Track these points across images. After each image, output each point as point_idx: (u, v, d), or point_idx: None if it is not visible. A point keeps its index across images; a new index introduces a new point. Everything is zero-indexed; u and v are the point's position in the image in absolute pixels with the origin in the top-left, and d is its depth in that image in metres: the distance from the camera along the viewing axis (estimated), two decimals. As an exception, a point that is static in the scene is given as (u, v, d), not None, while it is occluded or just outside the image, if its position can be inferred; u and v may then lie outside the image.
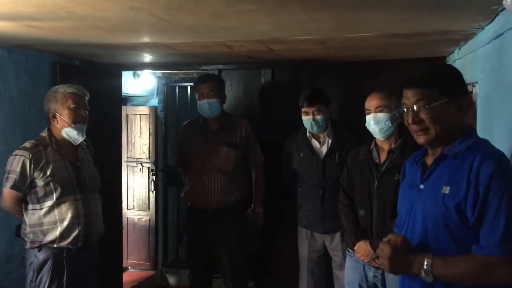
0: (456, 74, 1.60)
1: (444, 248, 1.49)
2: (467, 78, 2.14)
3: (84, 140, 2.68)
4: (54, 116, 2.54)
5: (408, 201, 1.68)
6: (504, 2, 1.25)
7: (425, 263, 1.45)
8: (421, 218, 1.57)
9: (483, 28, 2.29)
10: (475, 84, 2.43)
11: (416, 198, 1.62)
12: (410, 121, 1.57)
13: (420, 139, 1.58)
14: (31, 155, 2.43)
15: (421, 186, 1.62)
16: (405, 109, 1.58)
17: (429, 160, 1.65)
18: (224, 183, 3.31)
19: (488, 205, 1.38)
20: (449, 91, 1.52)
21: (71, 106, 2.52)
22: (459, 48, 2.95)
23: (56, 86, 2.62)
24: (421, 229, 1.57)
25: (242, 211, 3.46)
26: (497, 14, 1.99)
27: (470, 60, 2.65)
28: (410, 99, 1.56)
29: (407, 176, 1.80)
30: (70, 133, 2.54)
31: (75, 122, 2.52)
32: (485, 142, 1.55)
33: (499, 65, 2.01)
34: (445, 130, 1.53)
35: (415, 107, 1.53)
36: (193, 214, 3.44)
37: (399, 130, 2.63)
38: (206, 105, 3.26)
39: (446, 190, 1.49)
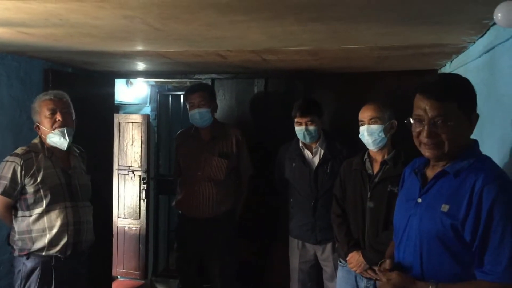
0: (472, 88, 1.55)
1: (438, 264, 1.48)
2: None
3: (77, 148, 2.66)
4: (38, 128, 2.55)
5: (405, 213, 1.67)
6: (495, 17, 1.26)
7: None
8: (418, 233, 1.56)
9: (474, 42, 2.31)
10: (466, 97, 2.45)
11: (413, 210, 1.61)
12: (425, 134, 1.50)
13: (427, 153, 1.54)
14: (22, 161, 2.41)
15: (419, 200, 1.60)
16: (417, 121, 1.53)
17: (430, 173, 1.62)
18: (216, 192, 3.29)
19: (492, 231, 1.36)
20: (466, 106, 1.49)
21: (47, 113, 2.50)
22: (451, 61, 2.98)
23: (36, 97, 2.61)
24: (417, 243, 1.56)
25: (234, 221, 3.45)
26: (488, 29, 2.02)
27: (461, 73, 2.65)
28: (428, 112, 1.48)
29: (406, 186, 1.77)
30: (53, 139, 2.51)
31: (53, 128, 2.50)
32: (487, 160, 1.52)
33: (490, 78, 2.03)
34: (457, 147, 1.50)
35: (434, 121, 1.47)
36: (184, 222, 3.42)
37: (392, 141, 2.64)
38: (197, 115, 3.25)
39: (445, 208, 1.47)
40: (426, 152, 1.54)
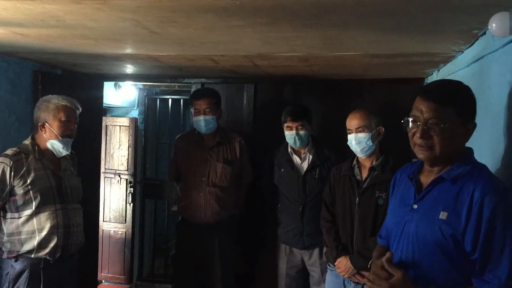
0: (473, 97, 1.54)
1: (436, 269, 1.48)
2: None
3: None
4: (43, 126, 2.51)
5: (399, 218, 1.65)
6: (489, 27, 1.30)
7: None
8: (415, 239, 1.55)
9: (462, 52, 2.37)
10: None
11: (409, 217, 1.60)
12: (418, 135, 1.51)
13: (421, 155, 1.54)
14: (12, 162, 2.39)
15: (415, 206, 1.59)
16: (413, 121, 1.53)
17: (424, 179, 1.62)
18: (220, 198, 3.27)
19: (492, 241, 1.37)
20: (464, 113, 1.48)
21: (63, 118, 2.50)
22: (438, 70, 3.04)
23: (49, 96, 2.58)
24: (414, 249, 1.55)
25: (236, 227, 3.45)
26: (477, 39, 2.07)
27: (448, 82, 2.73)
28: (424, 113, 1.49)
29: (399, 191, 1.76)
30: (56, 145, 2.51)
31: (64, 135, 2.50)
32: (484, 169, 1.52)
33: (479, 87, 2.07)
34: (449, 152, 1.50)
35: (428, 122, 1.48)
36: (186, 228, 3.38)
37: (380, 147, 2.69)
38: (202, 122, 3.22)
39: (444, 216, 1.46)
40: (420, 154, 1.54)
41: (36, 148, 2.51)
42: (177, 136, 3.58)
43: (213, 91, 3.43)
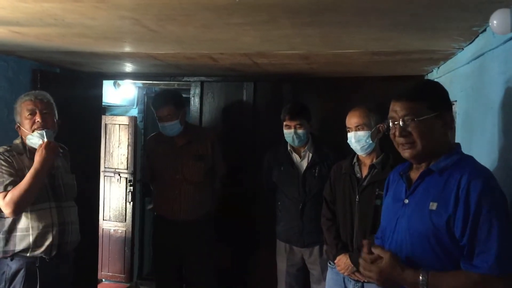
0: (443, 90, 1.63)
1: (429, 262, 1.49)
2: (447, 96, 2.19)
3: (60, 147, 2.61)
4: (19, 128, 2.51)
5: (392, 215, 1.68)
6: (490, 24, 1.30)
7: (420, 278, 1.44)
8: (407, 233, 1.57)
9: (462, 49, 2.37)
10: (454, 102, 2.50)
11: (401, 212, 1.63)
12: (397, 134, 1.57)
13: (406, 153, 1.59)
14: (4, 157, 2.39)
15: (406, 201, 1.62)
16: (392, 122, 1.59)
17: (414, 175, 1.65)
18: (195, 195, 3.32)
19: (480, 224, 1.39)
20: (436, 106, 1.54)
21: (26, 114, 2.46)
22: (438, 67, 3.04)
23: (18, 97, 2.56)
24: (407, 243, 1.57)
25: (212, 224, 3.48)
26: (477, 36, 2.06)
27: (449, 79, 2.73)
28: (398, 112, 1.57)
29: (392, 189, 1.80)
30: (32, 140, 2.47)
31: (33, 129, 2.45)
32: (471, 159, 1.57)
33: (480, 84, 2.07)
34: (431, 145, 1.55)
35: (404, 119, 1.54)
36: (162, 226, 3.42)
37: (380, 145, 2.68)
38: (166, 129, 3.28)
39: (433, 206, 1.49)
40: (404, 153, 1.59)
41: (27, 147, 2.49)
42: (148, 137, 3.64)
43: (172, 97, 3.34)
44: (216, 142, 3.43)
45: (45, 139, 2.43)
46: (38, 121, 2.45)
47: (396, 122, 1.58)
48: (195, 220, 3.31)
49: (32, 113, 2.46)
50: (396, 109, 1.58)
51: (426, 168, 1.59)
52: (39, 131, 2.44)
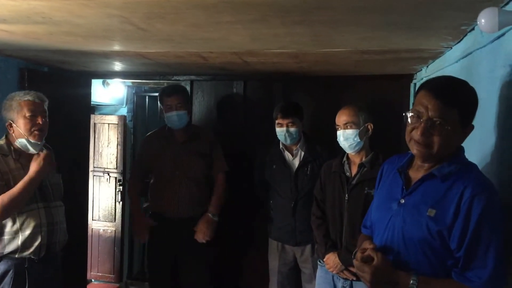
0: (476, 100, 1.51)
1: (421, 266, 1.49)
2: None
3: (44, 146, 2.58)
4: (10, 126, 2.46)
5: (385, 211, 1.65)
6: (478, 23, 1.30)
7: (411, 282, 1.44)
8: (401, 235, 1.55)
9: (451, 48, 2.38)
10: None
11: (396, 211, 1.59)
12: (419, 132, 1.48)
13: (416, 151, 1.53)
14: None
15: (402, 201, 1.58)
16: (415, 116, 1.50)
17: (413, 174, 1.61)
18: (195, 192, 3.32)
19: (479, 242, 1.38)
20: (466, 115, 1.48)
21: (27, 114, 2.42)
22: (427, 66, 3.05)
23: (12, 93, 2.51)
24: (399, 244, 1.55)
25: None
26: (466, 34, 2.07)
27: (437, 78, 2.74)
28: (430, 111, 1.45)
29: (386, 183, 1.75)
30: (23, 143, 2.45)
31: (31, 132, 2.42)
32: (475, 168, 1.52)
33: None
34: (446, 151, 1.49)
35: (433, 120, 1.45)
36: (160, 224, 3.39)
37: (370, 144, 2.69)
38: (175, 117, 3.27)
39: (432, 213, 1.46)
40: (414, 150, 1.53)
41: (12, 147, 2.46)
42: (147, 134, 3.63)
43: (183, 87, 3.49)
44: (215, 142, 3.44)
45: (44, 150, 2.46)
46: (40, 123, 2.45)
47: (422, 119, 1.47)
48: (191, 218, 3.31)
49: (34, 115, 2.44)
50: (428, 106, 1.46)
51: (428, 170, 1.55)
52: (39, 142, 2.45)
